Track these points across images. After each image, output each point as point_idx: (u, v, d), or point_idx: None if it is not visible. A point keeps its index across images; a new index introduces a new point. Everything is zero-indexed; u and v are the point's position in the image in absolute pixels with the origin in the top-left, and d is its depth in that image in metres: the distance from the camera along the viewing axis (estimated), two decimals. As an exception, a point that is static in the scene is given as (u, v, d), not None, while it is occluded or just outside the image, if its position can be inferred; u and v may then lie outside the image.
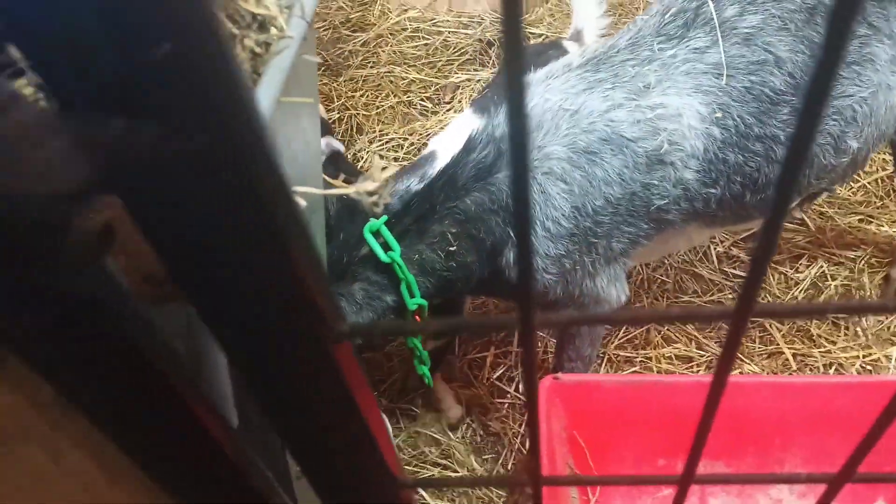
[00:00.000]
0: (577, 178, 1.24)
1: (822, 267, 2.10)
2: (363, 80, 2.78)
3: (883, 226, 2.21)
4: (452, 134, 1.88)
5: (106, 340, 0.32)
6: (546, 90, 1.30)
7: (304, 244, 0.28)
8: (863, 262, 2.12)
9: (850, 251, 2.15)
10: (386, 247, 1.25)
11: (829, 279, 2.08)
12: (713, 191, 1.31)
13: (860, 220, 2.23)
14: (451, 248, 1.29)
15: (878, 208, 2.26)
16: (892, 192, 2.31)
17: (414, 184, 1.46)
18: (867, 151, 1.45)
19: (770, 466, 0.89)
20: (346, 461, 0.39)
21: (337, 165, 2.13)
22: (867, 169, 2.38)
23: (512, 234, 1.29)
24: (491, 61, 2.80)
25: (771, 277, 2.11)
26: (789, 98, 1.28)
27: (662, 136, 1.24)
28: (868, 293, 2.05)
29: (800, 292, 2.06)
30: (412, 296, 1.29)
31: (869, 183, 2.32)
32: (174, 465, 0.41)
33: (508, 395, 2.01)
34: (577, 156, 1.24)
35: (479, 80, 2.73)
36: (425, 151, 1.87)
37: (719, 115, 1.26)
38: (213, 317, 0.31)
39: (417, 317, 1.39)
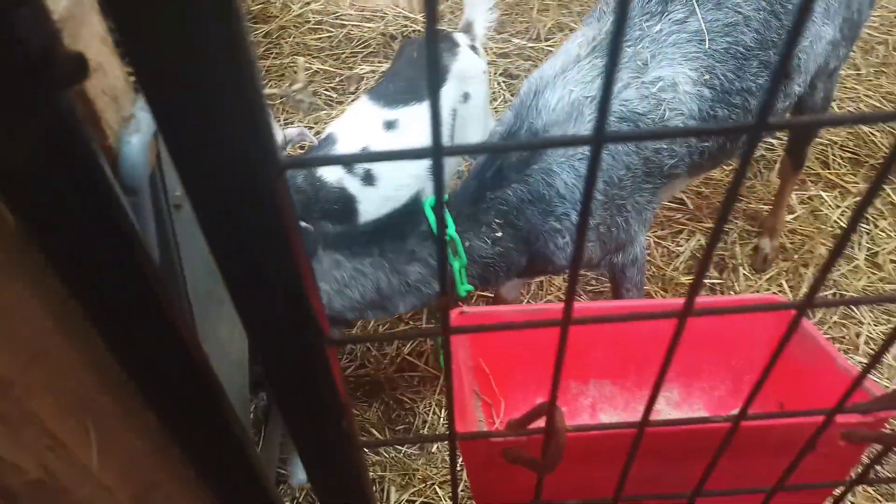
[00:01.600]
0: (604, 157, 1.37)
1: (699, 240, 2.30)
2: (266, 71, 2.78)
3: (751, 203, 2.45)
4: (350, 119, 1.95)
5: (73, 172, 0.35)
6: (565, 83, 1.41)
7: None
8: (735, 234, 2.34)
9: (724, 226, 2.36)
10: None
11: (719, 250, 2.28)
12: (707, 144, 1.49)
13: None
14: (497, 235, 1.38)
15: (747, 188, 2.50)
16: (758, 174, 2.56)
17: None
18: (801, 95, 1.68)
19: (649, 381, 1.00)
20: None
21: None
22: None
23: (552, 222, 1.40)
24: (395, 54, 2.86)
25: (655, 251, 2.29)
26: (757, 52, 1.46)
27: (664, 106, 1.38)
28: (739, 261, 2.27)
29: (680, 263, 2.25)
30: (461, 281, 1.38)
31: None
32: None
33: (419, 369, 2.08)
34: None
35: (383, 72, 2.79)
36: (323, 134, 1.94)
37: (707, 77, 1.42)
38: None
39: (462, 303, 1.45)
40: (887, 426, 0.77)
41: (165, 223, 0.63)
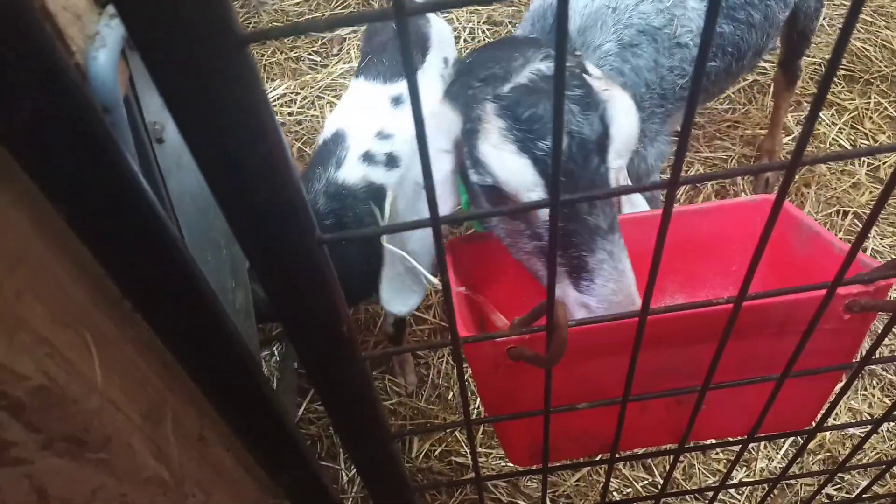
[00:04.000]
0: (627, 71, 1.34)
1: (698, 170, 2.28)
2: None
3: (748, 129, 2.42)
4: (353, 106, 1.85)
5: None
6: None
7: None
8: (733, 161, 2.32)
9: (722, 153, 2.34)
10: None
11: (709, 183, 2.26)
12: (714, 63, 1.46)
13: (728, 126, 2.43)
14: None
15: (742, 114, 2.47)
16: (752, 99, 2.53)
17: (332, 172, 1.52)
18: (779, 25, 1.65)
19: (654, 294, 1.00)
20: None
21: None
22: (730, 81, 2.59)
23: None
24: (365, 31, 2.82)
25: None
26: None
27: (675, 22, 1.37)
28: (741, 187, 2.25)
29: (680, 194, 2.24)
30: None
31: (733, 94, 2.53)
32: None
33: (428, 322, 2.09)
34: (624, 50, 1.34)
35: (364, 31, 2.76)
36: (327, 134, 1.76)
37: None
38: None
39: None
40: (890, 295, 0.77)
41: (148, 154, 0.63)
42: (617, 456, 0.80)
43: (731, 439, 0.80)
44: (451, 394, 1.94)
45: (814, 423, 0.84)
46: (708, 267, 1.01)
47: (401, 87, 1.81)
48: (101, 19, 0.51)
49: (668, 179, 0.49)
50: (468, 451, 1.80)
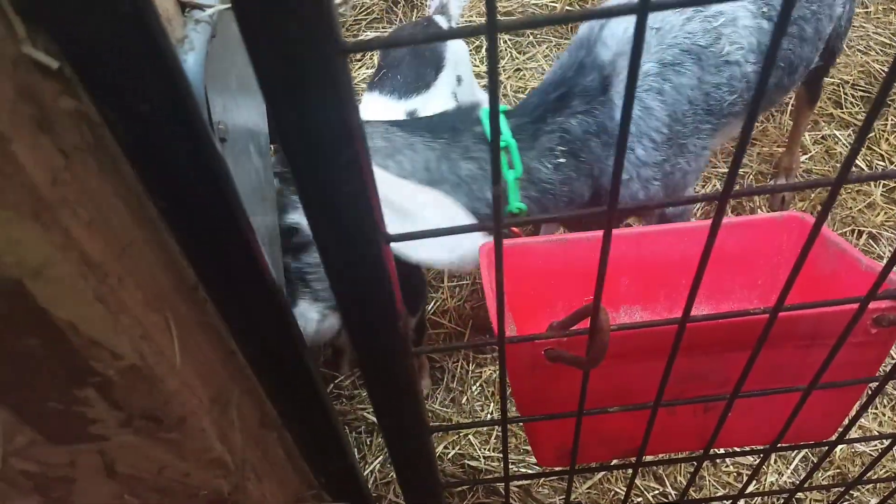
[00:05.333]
0: (667, 89, 1.37)
1: (715, 185, 2.31)
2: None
3: (765, 146, 2.45)
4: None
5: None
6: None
7: None
8: (750, 178, 2.35)
9: (739, 170, 2.37)
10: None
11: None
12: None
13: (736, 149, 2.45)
14: (560, 161, 1.37)
15: (760, 132, 2.50)
16: (770, 117, 2.55)
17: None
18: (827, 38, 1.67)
19: (679, 306, 1.02)
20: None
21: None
22: (748, 98, 2.62)
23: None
24: (398, 19, 2.86)
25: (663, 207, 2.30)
26: None
27: (723, 39, 1.39)
28: (756, 204, 2.28)
29: (696, 209, 2.26)
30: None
31: (750, 110, 2.55)
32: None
33: (445, 327, 2.12)
34: (666, 69, 1.38)
35: (380, 66, 2.80)
36: None
37: (765, 9, 1.42)
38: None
39: (515, 229, 1.42)
40: (918, 312, 0.79)
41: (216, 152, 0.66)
42: (642, 461, 0.83)
43: (749, 448, 0.82)
44: (465, 398, 1.96)
45: (835, 436, 0.86)
46: (734, 280, 1.04)
47: (415, 102, 1.85)
48: (187, 23, 0.54)
49: (720, 192, 0.51)
50: (481, 454, 1.82)
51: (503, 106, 1.38)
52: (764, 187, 0.52)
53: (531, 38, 2.90)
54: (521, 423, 1.70)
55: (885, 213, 2.22)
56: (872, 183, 2.31)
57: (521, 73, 2.77)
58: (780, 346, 0.79)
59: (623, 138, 0.45)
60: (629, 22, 1.39)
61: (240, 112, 0.79)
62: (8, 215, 0.34)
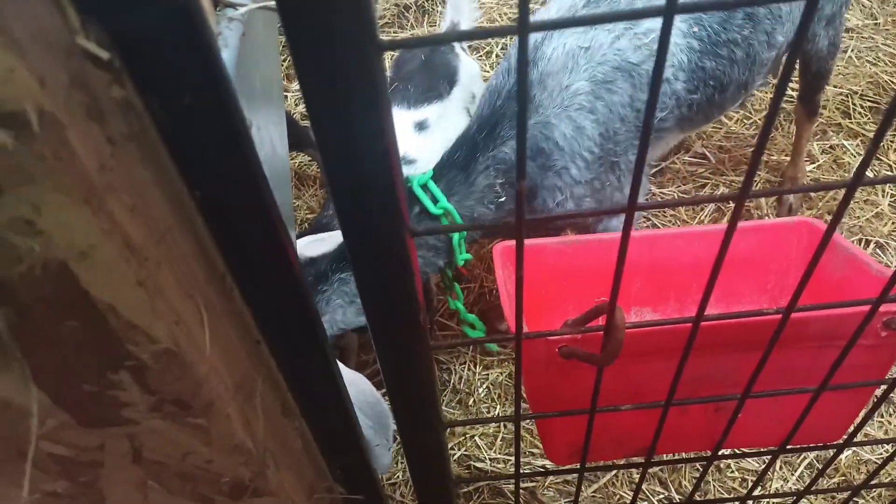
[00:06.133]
0: (599, 108, 1.38)
1: (723, 192, 2.32)
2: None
3: (773, 155, 2.46)
4: None
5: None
6: (560, 35, 1.41)
7: None
8: (758, 186, 2.36)
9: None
10: (433, 201, 1.34)
11: (731, 203, 2.30)
12: (695, 96, 1.49)
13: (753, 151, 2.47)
14: (500, 201, 1.39)
15: (768, 140, 2.51)
16: (778, 126, 2.57)
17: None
18: (784, 48, 1.65)
19: (690, 308, 1.03)
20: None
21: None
22: (757, 107, 2.63)
23: (551, 177, 1.39)
24: (409, 23, 2.89)
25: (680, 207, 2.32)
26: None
27: (654, 57, 1.37)
28: (764, 212, 2.29)
29: (705, 216, 2.27)
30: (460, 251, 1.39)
31: (759, 119, 2.57)
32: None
33: (452, 329, 2.13)
34: (598, 87, 1.38)
35: (393, 61, 2.83)
36: None
37: (696, 28, 1.43)
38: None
39: (464, 270, 1.46)
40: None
41: (252, 145, 0.67)
42: (651, 461, 0.84)
43: (757, 450, 0.83)
44: (472, 399, 1.97)
45: (843, 439, 0.87)
46: (745, 284, 1.05)
47: (425, 112, 1.87)
48: (220, 20, 0.56)
49: (738, 191, 0.53)
50: (487, 456, 1.83)
51: (427, 173, 1.37)
52: (780, 189, 0.54)
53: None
54: (531, 424, 1.71)
55: (893, 222, 2.23)
56: (880, 193, 2.32)
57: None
58: (791, 347, 0.80)
59: (642, 150, 0.46)
60: (557, 43, 1.40)
61: (261, 115, 0.81)
62: (61, 199, 0.36)
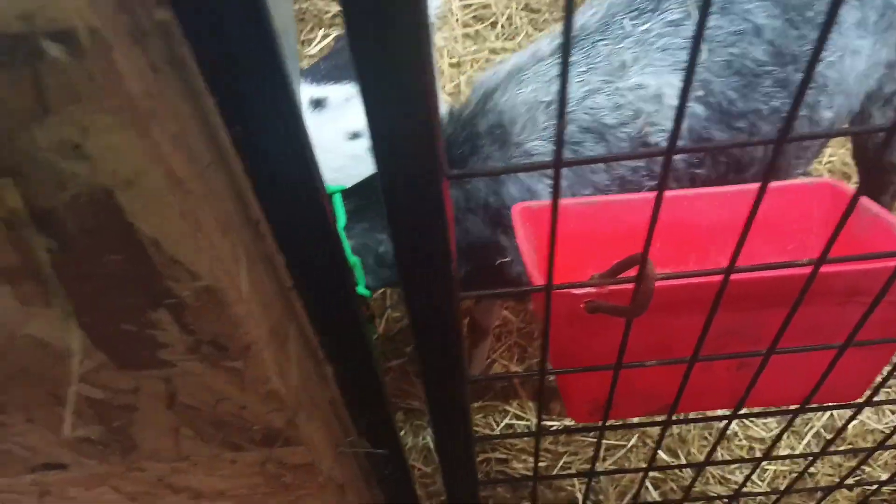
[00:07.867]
0: (565, 173, 1.17)
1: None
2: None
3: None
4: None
5: None
6: (517, 83, 1.20)
7: None
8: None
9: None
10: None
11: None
12: (699, 171, 1.26)
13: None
14: None
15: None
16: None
17: None
18: (838, 123, 1.32)
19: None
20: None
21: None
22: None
23: (500, 235, 1.20)
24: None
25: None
26: (771, 68, 1.17)
27: (641, 119, 1.15)
28: (774, 183, 2.27)
29: (716, 187, 2.26)
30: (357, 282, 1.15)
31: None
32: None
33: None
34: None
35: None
36: None
37: (701, 92, 1.17)
38: None
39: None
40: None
41: (289, 83, 0.67)
42: (673, 419, 0.84)
43: (778, 409, 0.84)
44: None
45: (863, 398, 0.87)
46: (766, 245, 1.04)
47: (325, 90, 1.79)
48: None
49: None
50: (494, 458, 1.84)
51: (339, 186, 1.19)
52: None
53: (546, 15, 2.90)
54: (553, 380, 1.71)
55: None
56: None
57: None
58: (816, 303, 0.79)
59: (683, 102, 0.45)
60: (504, 97, 1.21)
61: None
62: (108, 121, 0.35)
